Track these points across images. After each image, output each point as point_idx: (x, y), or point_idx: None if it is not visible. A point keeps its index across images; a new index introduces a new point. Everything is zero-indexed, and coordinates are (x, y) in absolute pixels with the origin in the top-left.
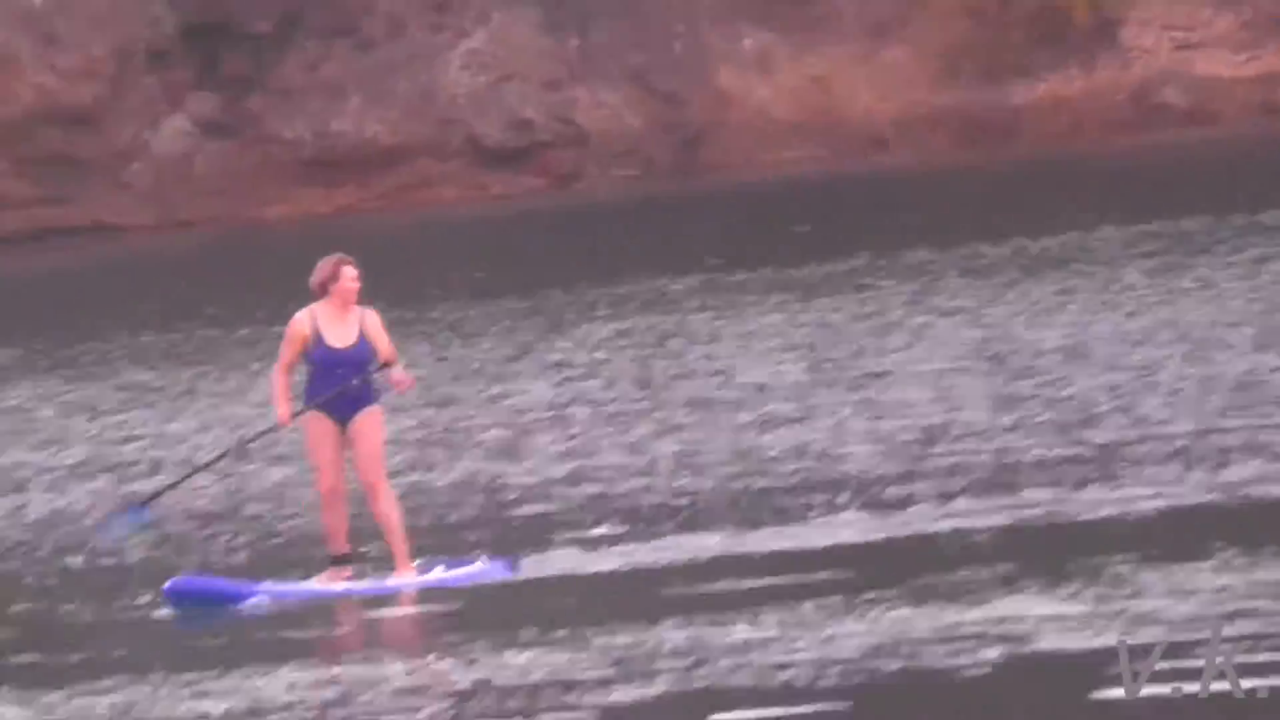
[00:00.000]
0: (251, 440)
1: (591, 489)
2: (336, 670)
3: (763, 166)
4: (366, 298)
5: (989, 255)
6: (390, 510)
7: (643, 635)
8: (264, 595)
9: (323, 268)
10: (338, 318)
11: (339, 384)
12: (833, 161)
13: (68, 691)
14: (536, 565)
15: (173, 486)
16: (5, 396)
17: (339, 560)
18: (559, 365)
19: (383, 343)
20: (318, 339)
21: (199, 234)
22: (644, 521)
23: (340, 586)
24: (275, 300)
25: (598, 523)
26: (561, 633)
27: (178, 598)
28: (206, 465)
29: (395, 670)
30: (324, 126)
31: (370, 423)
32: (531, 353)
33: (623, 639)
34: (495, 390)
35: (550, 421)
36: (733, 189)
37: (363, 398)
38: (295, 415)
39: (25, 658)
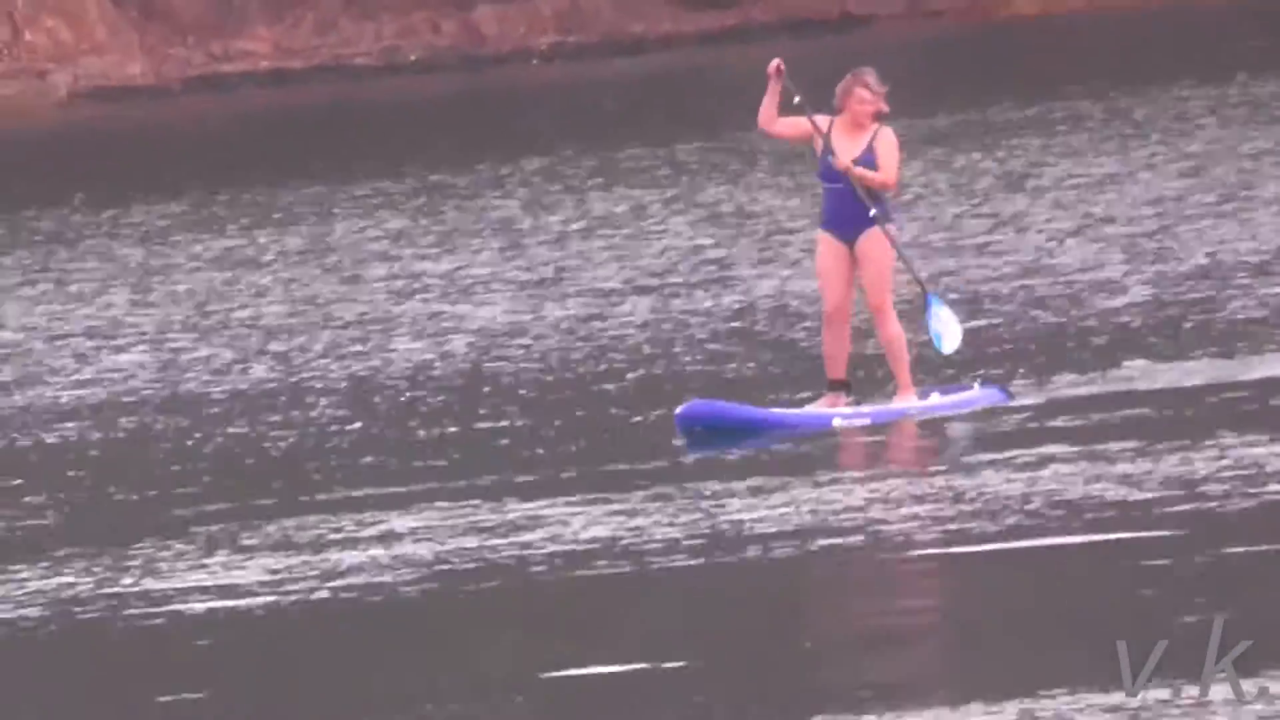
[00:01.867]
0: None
1: None
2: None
3: None
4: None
5: None
6: (892, 335)
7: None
8: (774, 422)
9: (844, 83)
10: (848, 134)
11: (836, 201)
12: None
13: None
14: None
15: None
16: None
17: (835, 386)
18: None
19: (887, 164)
20: (826, 149)
21: (948, 24)
22: None
23: (843, 410)
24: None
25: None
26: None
27: (689, 423)
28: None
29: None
30: None
31: (874, 244)
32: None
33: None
34: None
35: None
36: None
37: (866, 218)
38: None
39: None
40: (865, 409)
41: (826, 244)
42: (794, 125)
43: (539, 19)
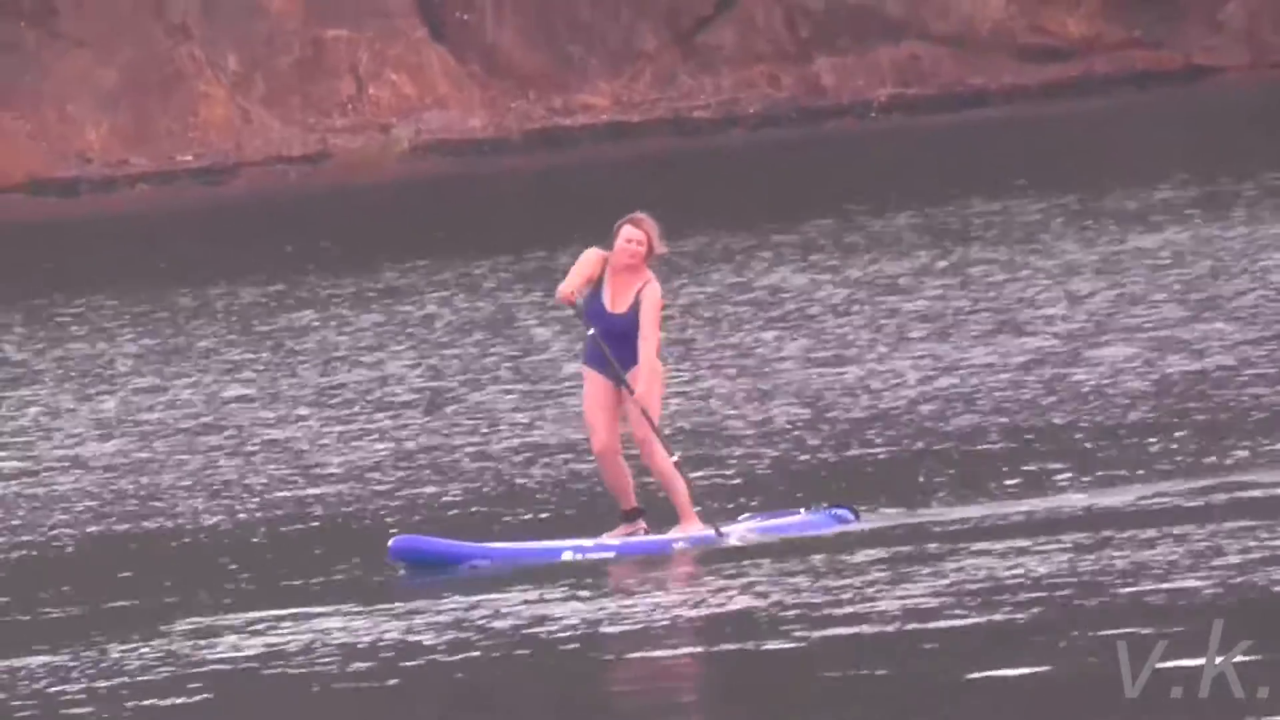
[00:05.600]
0: None
1: None
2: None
3: None
4: None
5: None
6: (662, 467)
7: None
8: (488, 557)
9: (617, 225)
10: (619, 279)
11: (599, 346)
12: None
13: None
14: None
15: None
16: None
17: (629, 515)
18: None
19: (647, 333)
20: (596, 289)
21: None
22: None
23: (583, 544)
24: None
25: None
26: None
27: (400, 557)
28: None
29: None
30: None
31: (639, 380)
32: None
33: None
34: None
35: None
36: None
37: (632, 356)
38: (578, 309)
39: None
40: (611, 541)
41: (592, 381)
42: (582, 270)
43: (878, 71)
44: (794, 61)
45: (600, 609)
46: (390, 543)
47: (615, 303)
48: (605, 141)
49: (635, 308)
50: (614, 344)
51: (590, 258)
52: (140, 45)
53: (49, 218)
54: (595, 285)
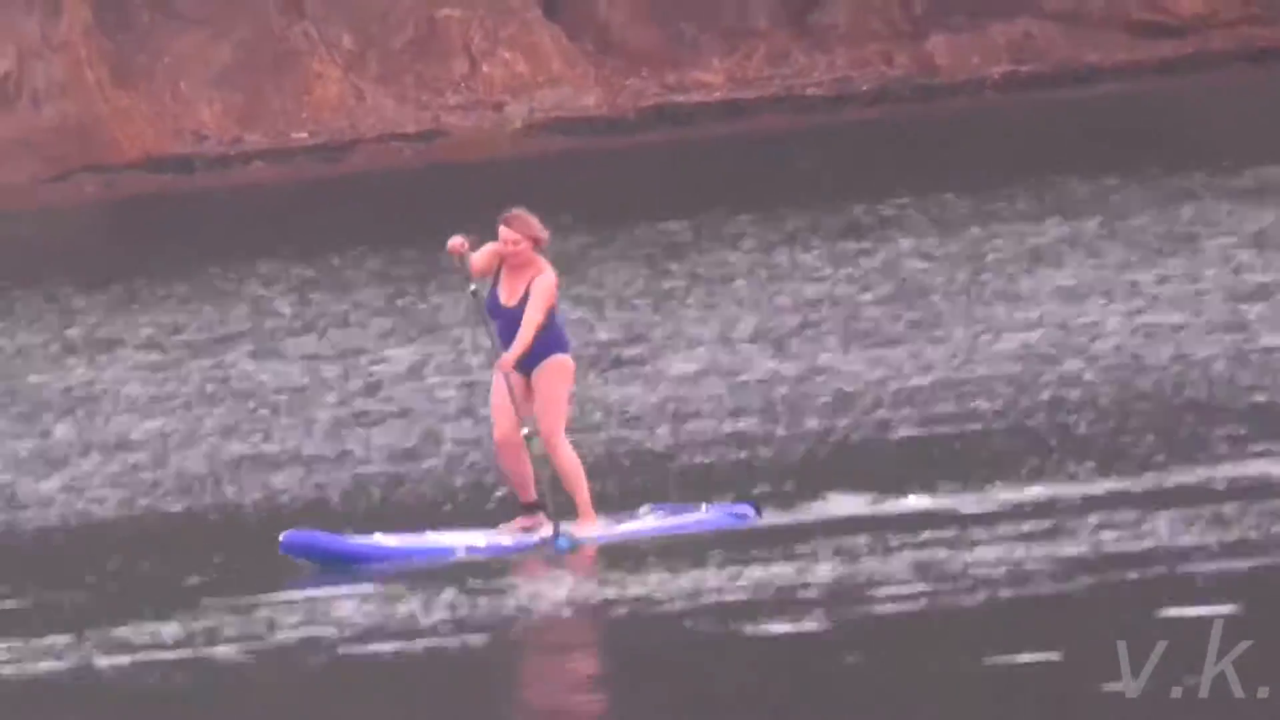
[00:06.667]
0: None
1: None
2: None
3: None
4: None
5: None
6: (566, 464)
7: None
8: (377, 551)
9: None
10: (512, 274)
11: (507, 334)
12: None
13: None
14: None
15: None
16: None
17: (529, 508)
18: None
19: (529, 318)
20: (495, 283)
21: None
22: None
23: (511, 540)
24: None
25: None
26: None
27: (294, 551)
28: None
29: None
30: None
31: (547, 375)
32: None
33: None
34: None
35: None
36: None
37: (541, 349)
38: (463, 267)
39: None
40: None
41: (499, 375)
42: (485, 260)
43: (992, 49)
44: (908, 39)
45: (491, 604)
46: (281, 537)
47: (509, 296)
48: (719, 119)
49: (526, 299)
50: (514, 334)
51: (492, 250)
52: (254, 24)
53: (177, 192)
54: (494, 278)
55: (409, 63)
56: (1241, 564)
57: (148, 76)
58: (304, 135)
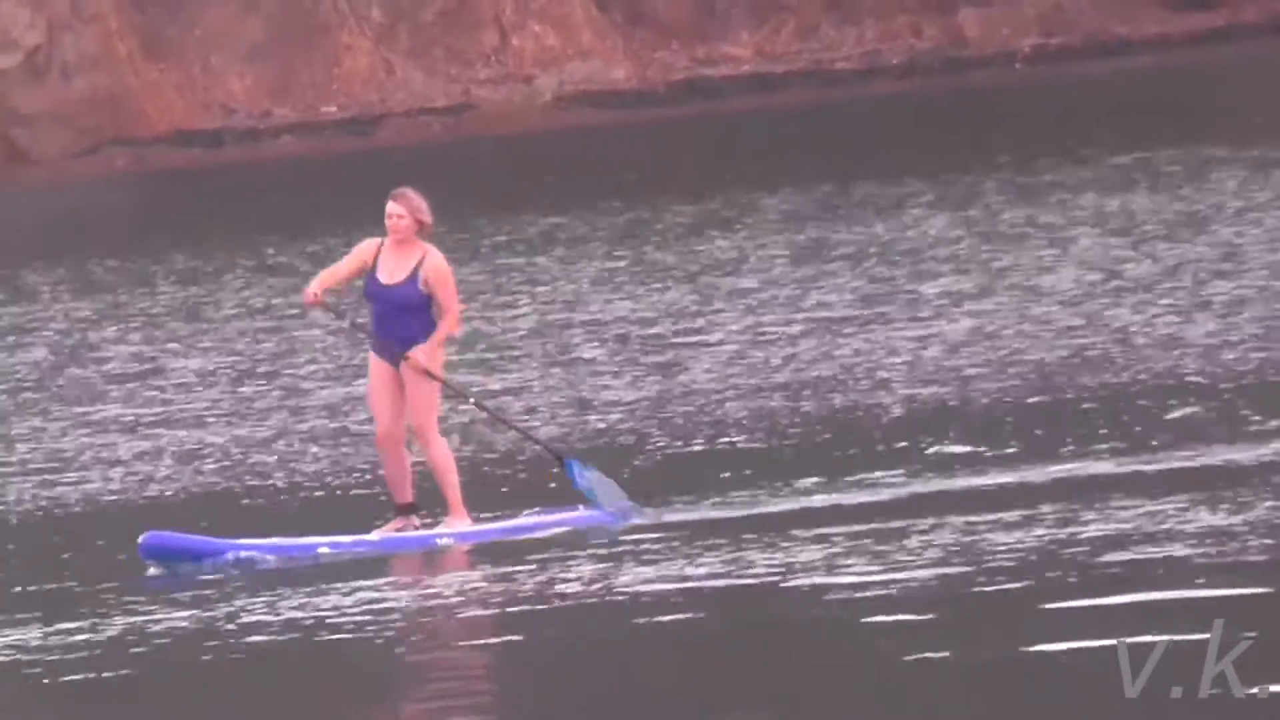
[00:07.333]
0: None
1: None
2: None
3: None
4: None
5: None
6: (437, 458)
7: None
8: (239, 551)
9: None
10: (396, 252)
11: (378, 322)
12: None
13: None
14: None
15: None
16: None
17: (403, 510)
18: None
19: (446, 304)
20: (373, 268)
21: None
22: None
23: (340, 539)
24: None
25: None
26: None
27: (150, 554)
28: None
29: None
30: None
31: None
32: None
33: None
34: None
35: None
36: None
37: (411, 338)
38: (328, 308)
39: None
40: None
41: (375, 366)
42: (340, 268)
43: (1022, 21)
44: (937, 12)
45: (378, 601)
46: (140, 540)
47: (390, 275)
48: (748, 92)
49: (414, 278)
50: (393, 318)
51: (359, 248)
52: None
53: (207, 165)
54: (371, 269)
55: (439, 35)
56: (1242, 564)
57: (178, 49)
58: (333, 109)
